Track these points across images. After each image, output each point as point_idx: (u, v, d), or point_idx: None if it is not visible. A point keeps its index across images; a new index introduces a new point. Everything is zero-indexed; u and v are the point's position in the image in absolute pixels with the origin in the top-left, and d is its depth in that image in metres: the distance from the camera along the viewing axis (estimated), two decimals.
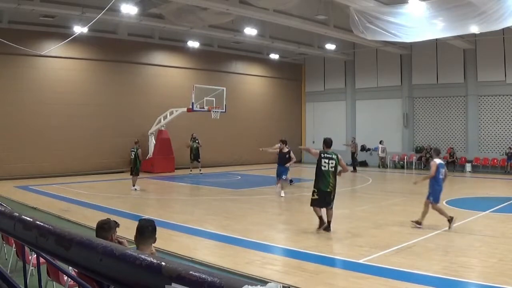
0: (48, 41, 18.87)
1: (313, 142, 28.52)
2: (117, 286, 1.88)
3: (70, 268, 3.51)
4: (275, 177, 15.23)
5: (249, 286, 1.32)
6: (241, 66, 28.10)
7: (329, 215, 9.28)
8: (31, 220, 2.49)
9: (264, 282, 1.41)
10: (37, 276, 3.61)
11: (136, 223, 4.10)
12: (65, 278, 4.42)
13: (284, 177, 14.53)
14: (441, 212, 9.53)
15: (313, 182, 9.44)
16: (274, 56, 27.97)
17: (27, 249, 3.99)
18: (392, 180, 21.95)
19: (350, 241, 8.75)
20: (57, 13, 18.17)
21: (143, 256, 1.70)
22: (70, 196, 14.09)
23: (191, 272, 1.50)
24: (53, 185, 16.85)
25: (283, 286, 1.57)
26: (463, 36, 20.65)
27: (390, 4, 16.02)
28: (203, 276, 1.46)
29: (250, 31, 21.38)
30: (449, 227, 9.28)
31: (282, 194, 14.30)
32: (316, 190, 9.29)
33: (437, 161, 9.72)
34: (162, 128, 22.50)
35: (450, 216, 9.38)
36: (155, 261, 1.64)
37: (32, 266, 5.13)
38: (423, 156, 25.12)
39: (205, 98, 21.37)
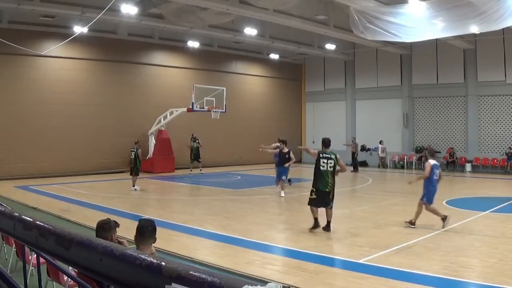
0: (48, 41, 18.87)
1: (313, 142, 28.51)
2: (117, 286, 1.88)
3: (70, 268, 3.51)
4: (275, 177, 15.24)
5: (249, 286, 1.32)
6: (241, 66, 28.10)
7: (329, 215, 9.28)
8: (31, 220, 2.49)
9: (264, 282, 1.41)
10: (37, 276, 3.61)
11: (136, 223, 4.10)
12: (65, 278, 4.42)
13: (284, 177, 14.53)
14: (435, 212, 9.55)
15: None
16: (274, 56, 27.98)
17: (27, 249, 3.99)
18: (392, 180, 21.95)
19: (350, 241, 8.75)
20: (57, 13, 18.17)
21: (143, 256, 1.70)
22: (70, 196, 14.09)
23: (191, 272, 1.50)
24: (53, 185, 16.85)
25: (283, 286, 1.57)
26: (463, 36, 20.65)
27: (390, 4, 16.02)
28: (203, 276, 1.46)
29: (250, 31, 21.38)
30: (443, 226, 9.32)
31: (282, 194, 14.30)
32: (314, 190, 9.30)
33: (432, 162, 9.73)
34: (162, 128, 22.51)
35: (444, 215, 9.42)
36: (155, 261, 1.64)
37: (32, 266, 5.13)
38: (423, 156, 25.11)
39: (205, 98, 21.38)
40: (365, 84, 28.28)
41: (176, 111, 21.86)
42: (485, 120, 23.76)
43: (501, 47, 22.50)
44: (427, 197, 9.55)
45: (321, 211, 9.41)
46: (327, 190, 9.18)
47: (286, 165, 14.38)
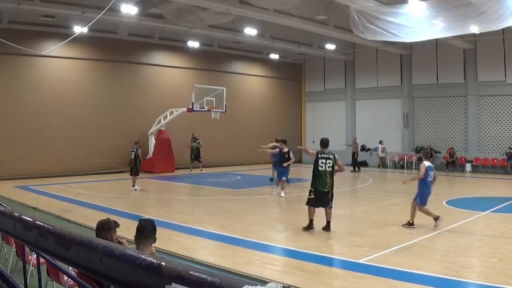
0: (48, 41, 18.87)
1: (313, 142, 28.50)
2: (117, 286, 1.88)
3: (70, 268, 3.51)
4: (275, 177, 15.24)
5: (249, 286, 1.32)
6: (241, 66, 28.10)
7: (328, 215, 9.29)
8: (31, 220, 2.49)
9: (264, 282, 1.41)
10: (37, 276, 3.61)
11: (136, 223, 4.10)
12: (65, 278, 4.42)
13: (284, 178, 14.53)
14: (428, 213, 9.57)
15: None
16: (274, 56, 27.98)
17: (27, 249, 3.99)
18: (392, 180, 21.94)
19: (350, 241, 8.75)
20: (57, 13, 18.17)
21: (143, 256, 1.70)
22: (70, 196, 14.09)
23: (191, 272, 1.50)
24: (53, 185, 16.85)
25: (283, 286, 1.57)
26: (463, 36, 20.65)
27: (390, 4, 16.02)
28: (203, 276, 1.46)
29: (250, 31, 21.38)
30: (435, 226, 9.36)
31: (282, 194, 14.31)
32: (313, 190, 9.33)
33: (426, 163, 9.78)
34: (162, 128, 22.51)
35: (437, 215, 9.45)
36: (155, 261, 1.64)
37: (32, 266, 5.13)
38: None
39: (205, 98, 21.37)
40: (365, 84, 28.28)
41: (176, 111, 21.86)
42: (485, 120, 23.76)
43: (501, 47, 22.50)
44: (420, 198, 9.59)
45: (321, 211, 9.42)
46: (325, 190, 9.20)
47: (285, 164, 14.36)
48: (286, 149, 14.67)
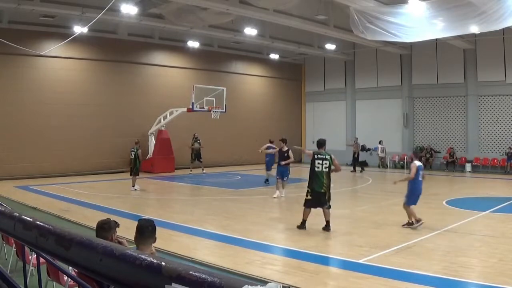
0: (48, 41, 18.87)
1: (313, 142, 28.21)
2: (117, 286, 1.88)
3: (70, 268, 3.51)
4: (275, 177, 15.22)
5: (249, 286, 1.32)
6: (241, 66, 28.10)
7: (327, 215, 9.32)
8: (31, 220, 2.49)
9: (264, 282, 1.41)
10: (37, 276, 3.61)
11: (136, 223, 4.10)
12: (65, 278, 4.42)
13: (285, 178, 14.52)
14: (410, 213, 9.57)
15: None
16: (274, 56, 27.97)
17: (27, 249, 3.99)
18: (392, 180, 21.82)
19: (350, 241, 8.75)
20: (57, 13, 18.17)
21: (143, 256, 1.70)
22: (70, 196, 14.09)
23: (191, 272, 1.50)
24: (53, 185, 16.85)
25: (283, 286, 1.57)
26: (463, 36, 20.65)
27: (390, 4, 16.02)
28: (203, 276, 1.46)
29: (250, 31, 21.37)
30: (409, 225, 9.42)
31: (283, 194, 14.33)
32: (310, 191, 9.37)
33: (417, 163, 9.83)
34: (162, 128, 22.51)
35: (419, 218, 9.45)
36: (155, 261, 1.64)
37: (32, 266, 5.13)
38: (423, 156, 25.11)
39: (205, 98, 21.38)
40: (365, 84, 28.27)
41: (176, 111, 21.86)
42: (485, 120, 23.76)
43: (501, 47, 22.50)
44: (408, 198, 9.63)
45: (319, 211, 9.44)
46: (322, 190, 9.21)
47: (283, 163, 14.36)
48: (285, 148, 14.68)
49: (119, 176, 19.84)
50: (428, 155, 25.03)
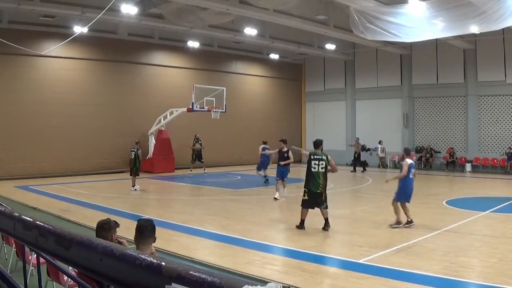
0: (48, 41, 18.87)
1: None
2: (117, 286, 1.88)
3: (70, 268, 3.51)
4: (275, 177, 15.22)
5: (249, 286, 1.32)
6: (241, 66, 28.10)
7: (324, 214, 9.37)
8: (31, 220, 2.49)
9: (264, 282, 1.41)
10: (37, 276, 3.61)
11: (136, 223, 4.10)
12: (65, 278, 4.42)
13: (285, 179, 14.53)
14: (396, 211, 9.59)
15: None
16: (274, 56, 27.97)
17: (27, 249, 4.00)
18: (392, 180, 21.89)
19: (350, 241, 8.76)
20: (57, 13, 18.17)
21: (143, 256, 1.70)
22: (70, 196, 14.10)
23: (191, 272, 1.50)
24: (53, 185, 16.85)
25: (283, 286, 1.57)
26: (463, 36, 20.64)
27: (390, 4, 16.02)
28: (203, 276, 1.46)
29: (250, 31, 21.37)
30: (392, 225, 9.47)
31: (285, 194, 14.35)
32: (306, 191, 9.41)
33: (408, 161, 9.84)
34: (162, 128, 22.51)
35: (400, 220, 9.46)
36: (155, 261, 1.64)
37: (32, 266, 5.13)
38: (423, 156, 25.13)
39: (205, 98, 21.38)
40: (365, 84, 28.27)
41: (176, 111, 21.86)
42: (485, 120, 23.76)
43: (501, 47, 22.50)
44: (398, 194, 9.64)
45: (318, 211, 9.45)
46: (318, 191, 9.22)
47: (282, 163, 14.36)
48: (285, 149, 14.68)
49: (119, 176, 19.84)
50: (428, 155, 25.04)
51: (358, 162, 24.28)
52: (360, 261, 7.13)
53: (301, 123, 31.49)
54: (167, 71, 24.32)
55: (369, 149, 27.46)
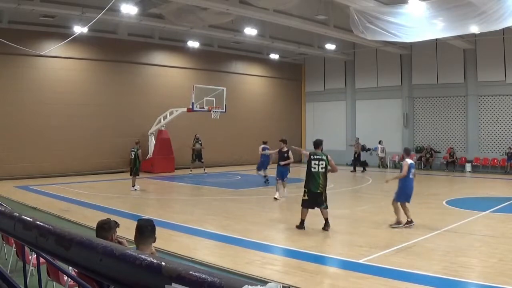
0: (48, 41, 18.87)
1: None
2: (117, 286, 1.88)
3: (70, 268, 3.51)
4: (275, 177, 15.22)
5: (249, 286, 1.32)
6: (241, 66, 28.10)
7: (324, 214, 9.37)
8: (31, 220, 2.49)
9: (264, 282, 1.41)
10: (37, 276, 3.61)
11: (136, 223, 4.10)
12: (65, 278, 4.42)
13: (286, 179, 14.52)
14: (396, 211, 9.59)
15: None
16: (274, 56, 27.97)
17: (27, 249, 3.99)
18: (392, 180, 21.89)
19: (350, 241, 8.76)
20: (57, 13, 18.17)
21: (143, 256, 1.70)
22: (70, 196, 14.10)
23: (191, 272, 1.50)
24: (53, 185, 16.85)
25: (283, 286, 1.57)
26: (463, 36, 20.64)
27: (390, 4, 16.02)
28: (203, 276, 1.46)
29: (250, 31, 21.37)
30: (392, 225, 9.47)
31: (286, 194, 14.34)
32: (306, 191, 9.41)
33: (408, 161, 9.83)
34: (162, 128, 22.51)
35: (400, 220, 9.48)
36: (155, 261, 1.64)
37: (32, 266, 5.13)
38: (423, 156, 25.13)
39: (205, 98, 21.38)
40: (365, 84, 28.27)
41: (176, 111, 21.86)
42: (485, 120, 23.76)
43: (501, 47, 22.50)
44: (398, 195, 9.63)
45: (318, 211, 9.45)
46: (318, 191, 9.22)
47: (282, 163, 14.37)
48: (285, 149, 14.68)
49: (119, 176, 19.84)
50: (428, 155, 25.04)
51: (358, 162, 24.27)
52: (360, 261, 7.13)
53: (301, 123, 31.49)
54: (167, 71, 24.33)
55: (369, 149, 27.46)
